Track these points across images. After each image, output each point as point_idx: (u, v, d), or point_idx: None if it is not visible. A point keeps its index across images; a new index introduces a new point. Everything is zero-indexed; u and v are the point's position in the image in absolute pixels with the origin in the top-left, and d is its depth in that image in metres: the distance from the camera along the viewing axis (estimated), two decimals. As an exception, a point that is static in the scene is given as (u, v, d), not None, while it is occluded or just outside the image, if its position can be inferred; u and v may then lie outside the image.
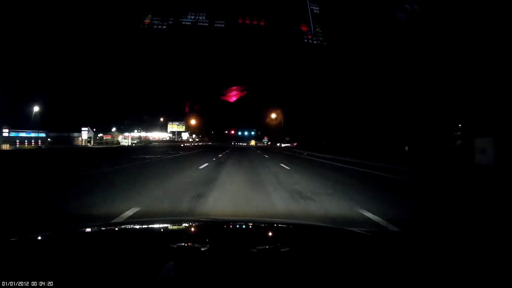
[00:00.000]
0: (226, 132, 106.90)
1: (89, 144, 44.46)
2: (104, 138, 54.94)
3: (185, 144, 61.58)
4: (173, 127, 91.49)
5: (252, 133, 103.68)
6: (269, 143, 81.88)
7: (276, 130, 69.08)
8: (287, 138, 60.16)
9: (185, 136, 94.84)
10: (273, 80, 66.41)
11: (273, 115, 71.39)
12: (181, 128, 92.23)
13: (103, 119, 55.89)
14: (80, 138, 44.56)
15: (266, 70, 63.48)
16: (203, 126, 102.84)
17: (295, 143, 51.22)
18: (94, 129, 50.82)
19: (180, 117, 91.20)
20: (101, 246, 1.18)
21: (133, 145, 52.82)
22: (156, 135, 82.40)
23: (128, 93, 63.71)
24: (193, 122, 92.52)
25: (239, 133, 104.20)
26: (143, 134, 76.35)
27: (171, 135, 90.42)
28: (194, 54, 46.38)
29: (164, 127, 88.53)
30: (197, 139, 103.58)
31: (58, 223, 3.16)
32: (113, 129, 62.23)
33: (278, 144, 62.43)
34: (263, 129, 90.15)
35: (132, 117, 69.88)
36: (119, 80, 57.25)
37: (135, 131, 74.04)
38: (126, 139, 58.72)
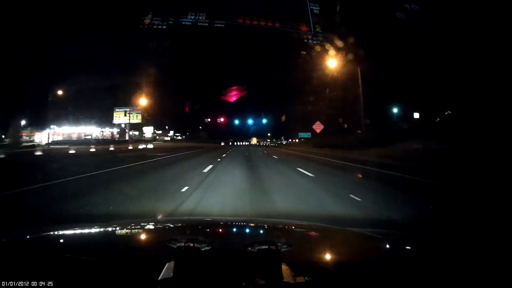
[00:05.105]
0: (209, 120, 57.04)
1: None
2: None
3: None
4: (120, 116, 47.52)
5: (264, 121, 57.58)
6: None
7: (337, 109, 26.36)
8: None
9: (149, 131, 55.17)
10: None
11: (333, 62, 23.59)
12: (135, 118, 46.83)
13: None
14: None
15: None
16: (182, 118, 60.26)
17: None
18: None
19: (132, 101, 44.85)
20: (101, 246, 1.19)
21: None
22: (82, 131, 45.43)
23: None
24: (143, 102, 44.11)
25: (236, 121, 56.46)
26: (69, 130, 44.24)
27: (117, 130, 52.19)
28: (192, 50, 43.49)
29: (107, 119, 48.32)
30: (179, 137, 64.80)
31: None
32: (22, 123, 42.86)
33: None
34: (290, 113, 46.44)
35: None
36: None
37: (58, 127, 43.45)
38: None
